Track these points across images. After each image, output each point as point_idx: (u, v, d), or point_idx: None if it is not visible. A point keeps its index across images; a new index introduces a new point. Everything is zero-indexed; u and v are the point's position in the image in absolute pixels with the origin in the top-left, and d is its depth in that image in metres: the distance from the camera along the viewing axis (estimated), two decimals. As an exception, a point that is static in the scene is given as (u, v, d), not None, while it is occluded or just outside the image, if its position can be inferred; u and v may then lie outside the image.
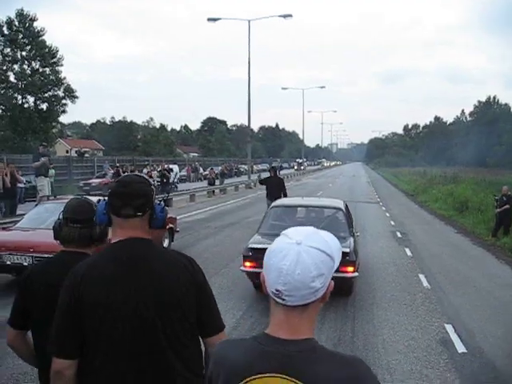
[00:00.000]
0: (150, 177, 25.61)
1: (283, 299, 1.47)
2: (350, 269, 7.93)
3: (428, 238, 16.45)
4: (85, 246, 2.69)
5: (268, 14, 46.02)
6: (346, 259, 7.81)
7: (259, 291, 8.81)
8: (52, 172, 29.27)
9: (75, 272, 2.16)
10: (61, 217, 2.72)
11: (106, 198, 2.28)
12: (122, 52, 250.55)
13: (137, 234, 2.21)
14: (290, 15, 39.71)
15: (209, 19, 39.12)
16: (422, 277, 10.53)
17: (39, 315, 2.56)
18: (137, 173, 2.83)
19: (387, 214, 23.06)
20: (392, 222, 19.93)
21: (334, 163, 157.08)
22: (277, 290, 1.48)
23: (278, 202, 11.14)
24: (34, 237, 9.22)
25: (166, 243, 12.59)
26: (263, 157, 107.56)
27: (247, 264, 8.34)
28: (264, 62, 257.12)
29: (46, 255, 8.35)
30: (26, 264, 8.61)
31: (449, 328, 7.33)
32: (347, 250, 7.94)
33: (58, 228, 2.73)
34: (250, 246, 8.45)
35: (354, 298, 8.70)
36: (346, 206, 10.26)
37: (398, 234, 16.75)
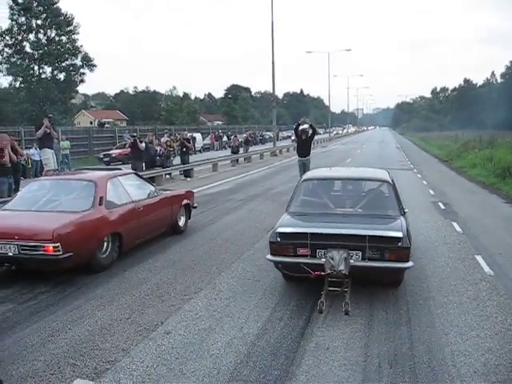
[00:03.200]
0: (169, 146, 24.19)
1: None
2: (404, 258, 6.36)
3: (475, 210, 14.76)
4: None
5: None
6: (399, 246, 6.32)
7: (289, 281, 7.40)
8: (67, 144, 28.16)
9: None
10: None
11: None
12: (144, 21, 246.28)
13: None
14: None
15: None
16: (479, 259, 8.93)
17: None
18: None
19: (424, 182, 21.36)
20: (431, 191, 18.25)
21: (353, 129, 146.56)
22: None
23: (310, 173, 9.30)
24: (19, 220, 7.74)
25: (182, 221, 11.18)
26: (288, 123, 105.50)
27: (275, 252, 6.73)
28: (288, 26, 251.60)
29: (33, 243, 7.07)
30: (11, 254, 7.25)
31: (531, 332, 5.79)
32: (399, 235, 6.37)
33: None
34: (278, 230, 6.76)
35: (404, 290, 7.17)
36: (392, 178, 8.51)
37: (441, 205, 15.10)
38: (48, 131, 14.24)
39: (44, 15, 44.48)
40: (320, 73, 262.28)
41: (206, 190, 18.76)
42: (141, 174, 19.84)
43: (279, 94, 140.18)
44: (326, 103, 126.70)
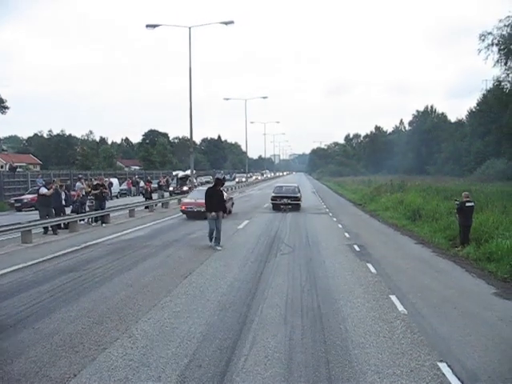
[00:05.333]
0: (88, 192, 23.61)
1: None
2: (300, 200, 30.16)
3: (388, 251, 15.24)
4: None
5: (209, 21, 44.18)
6: (298, 198, 30.10)
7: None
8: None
9: None
10: None
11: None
12: (58, 63, 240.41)
13: None
14: (232, 22, 38.35)
15: (147, 26, 37.35)
16: (394, 298, 9.20)
17: None
18: None
19: (339, 225, 21.86)
20: (346, 234, 18.70)
21: (268, 175, 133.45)
22: None
23: (278, 184, 36.99)
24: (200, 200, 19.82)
25: (231, 208, 27.29)
26: (206, 169, 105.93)
27: (272, 201, 30.09)
28: (206, 72, 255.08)
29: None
30: (202, 210, 18.51)
31: (444, 368, 5.96)
32: (299, 196, 30.38)
33: None
34: (272, 195, 30.47)
35: (322, 333, 7.23)
36: (298, 185, 34.72)
37: (356, 248, 15.48)
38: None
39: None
40: (238, 119, 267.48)
41: (123, 236, 18.37)
42: (55, 219, 19.32)
43: (197, 139, 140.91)
44: (244, 149, 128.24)
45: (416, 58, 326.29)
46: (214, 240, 15.41)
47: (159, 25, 37.88)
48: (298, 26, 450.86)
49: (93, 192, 23.43)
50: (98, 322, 7.77)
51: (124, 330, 7.41)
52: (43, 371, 5.91)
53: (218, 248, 15.04)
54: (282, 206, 28.87)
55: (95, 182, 24.77)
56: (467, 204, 15.31)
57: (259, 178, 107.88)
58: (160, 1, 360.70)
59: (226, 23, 38.54)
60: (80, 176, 29.56)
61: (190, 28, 38.31)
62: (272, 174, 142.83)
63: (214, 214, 15.37)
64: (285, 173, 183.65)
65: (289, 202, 29.18)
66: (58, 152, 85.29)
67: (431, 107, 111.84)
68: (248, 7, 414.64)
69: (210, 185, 18.18)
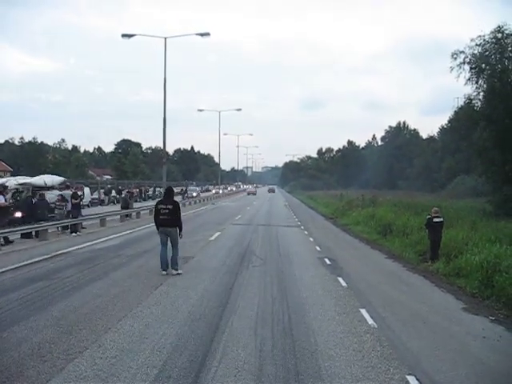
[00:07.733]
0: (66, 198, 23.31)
1: None
2: (275, 191, 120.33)
3: (359, 265, 15.36)
4: None
5: (185, 32, 44.09)
6: (275, 190, 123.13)
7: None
8: None
9: None
10: None
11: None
12: (31, 70, 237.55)
13: None
14: (208, 33, 38.59)
15: (123, 35, 37.30)
16: (364, 312, 9.26)
17: None
18: None
19: (311, 239, 21.98)
20: (318, 248, 18.79)
21: (232, 188, 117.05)
22: None
23: (267, 186, 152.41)
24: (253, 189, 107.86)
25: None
26: (178, 180, 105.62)
27: (268, 191, 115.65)
28: (180, 83, 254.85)
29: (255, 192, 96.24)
30: (254, 192, 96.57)
31: (413, 381, 6.02)
32: (276, 190, 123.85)
33: None
34: (267, 189, 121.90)
35: (293, 345, 7.25)
36: (275, 186, 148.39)
37: (327, 261, 15.56)
38: None
39: None
40: (211, 131, 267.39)
41: (94, 245, 18.20)
42: (23, 228, 19.07)
43: (170, 150, 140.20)
44: (217, 161, 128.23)
45: (389, 74, 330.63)
46: (170, 263, 12.79)
47: (135, 34, 37.87)
48: (271, 41, 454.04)
49: (73, 201, 23.15)
50: (67, 332, 7.68)
51: (93, 339, 7.34)
52: (10, 381, 5.81)
53: (174, 272, 12.57)
54: (269, 193, 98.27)
55: (73, 191, 24.55)
56: (435, 220, 15.55)
57: (220, 192, 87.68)
58: (134, 12, 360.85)
59: (202, 35, 38.76)
60: (68, 184, 28.85)
61: (165, 38, 38.36)
62: (244, 187, 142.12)
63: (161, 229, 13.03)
64: (259, 185, 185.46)
65: (272, 191, 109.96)
66: (30, 159, 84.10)
67: (403, 123, 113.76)
68: (222, 19, 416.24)
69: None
